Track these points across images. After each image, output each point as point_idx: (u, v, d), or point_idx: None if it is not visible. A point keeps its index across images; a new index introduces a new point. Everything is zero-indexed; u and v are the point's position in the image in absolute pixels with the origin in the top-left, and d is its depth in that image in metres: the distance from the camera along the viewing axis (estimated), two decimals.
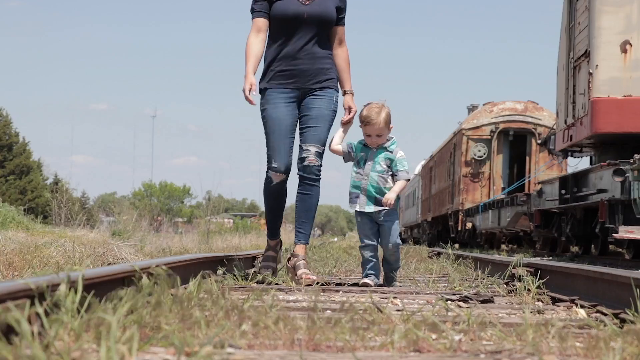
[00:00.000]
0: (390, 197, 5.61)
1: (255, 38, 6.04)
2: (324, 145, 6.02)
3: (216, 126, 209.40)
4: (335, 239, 33.06)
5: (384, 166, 5.67)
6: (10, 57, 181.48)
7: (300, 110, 6.05)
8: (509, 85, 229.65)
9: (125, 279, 3.50)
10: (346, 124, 6.04)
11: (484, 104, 25.07)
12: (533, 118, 23.70)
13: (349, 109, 6.10)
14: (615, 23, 12.40)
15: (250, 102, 5.85)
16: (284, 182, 6.05)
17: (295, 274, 5.86)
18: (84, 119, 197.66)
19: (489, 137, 23.90)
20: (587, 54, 12.91)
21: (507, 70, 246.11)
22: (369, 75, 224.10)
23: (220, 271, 5.90)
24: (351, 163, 5.86)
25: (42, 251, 7.60)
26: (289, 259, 6.10)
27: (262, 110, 6.05)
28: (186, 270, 4.85)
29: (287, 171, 6.00)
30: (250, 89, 5.84)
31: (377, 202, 5.66)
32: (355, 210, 5.78)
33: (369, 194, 5.68)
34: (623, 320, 3.34)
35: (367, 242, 5.79)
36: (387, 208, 5.64)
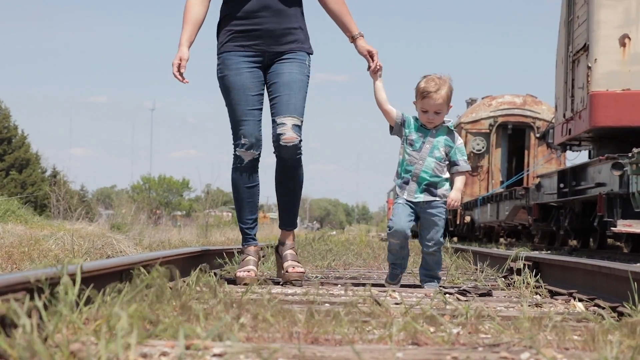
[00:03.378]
0: (455, 197, 4.92)
1: None
2: (302, 115, 5.04)
3: (215, 119, 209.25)
4: (334, 233, 33.11)
5: (443, 153, 4.94)
6: (9, 50, 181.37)
7: (267, 78, 5.08)
8: (507, 79, 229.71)
9: (124, 272, 3.50)
10: (376, 72, 5.04)
11: (482, 98, 25.07)
12: (532, 112, 23.71)
13: (370, 54, 5.06)
14: (614, 17, 12.39)
15: (179, 79, 4.95)
16: (255, 162, 5.12)
17: (282, 267, 5.17)
18: (83, 112, 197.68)
19: (488, 130, 23.90)
20: (585, 48, 12.91)
21: (505, 64, 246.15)
22: (364, 69, 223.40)
23: (218, 263, 5.90)
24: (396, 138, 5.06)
25: (41, 244, 7.61)
26: (277, 248, 5.37)
27: (221, 78, 5.08)
28: (185, 264, 4.85)
29: (258, 146, 5.07)
30: (179, 64, 4.95)
31: (428, 192, 4.92)
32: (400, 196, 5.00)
33: (421, 181, 4.93)
34: (621, 314, 3.34)
35: (397, 229, 4.94)
36: (438, 199, 4.93)
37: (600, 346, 2.30)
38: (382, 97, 5.01)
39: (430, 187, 4.92)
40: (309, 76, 5.14)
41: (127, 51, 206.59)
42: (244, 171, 5.10)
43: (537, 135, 22.58)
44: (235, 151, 5.09)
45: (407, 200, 4.94)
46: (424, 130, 4.94)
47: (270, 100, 5.08)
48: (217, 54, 5.11)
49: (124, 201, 20.86)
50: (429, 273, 5.04)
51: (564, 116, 14.61)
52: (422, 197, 4.92)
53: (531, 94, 24.31)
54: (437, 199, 4.93)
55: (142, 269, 3.10)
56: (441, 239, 5.01)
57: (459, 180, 4.97)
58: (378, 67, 5.03)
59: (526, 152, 23.86)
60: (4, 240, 7.83)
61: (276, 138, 4.99)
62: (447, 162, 4.96)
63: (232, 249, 6.66)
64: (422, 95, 4.84)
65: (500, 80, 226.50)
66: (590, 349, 2.34)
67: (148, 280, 2.67)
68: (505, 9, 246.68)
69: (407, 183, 4.95)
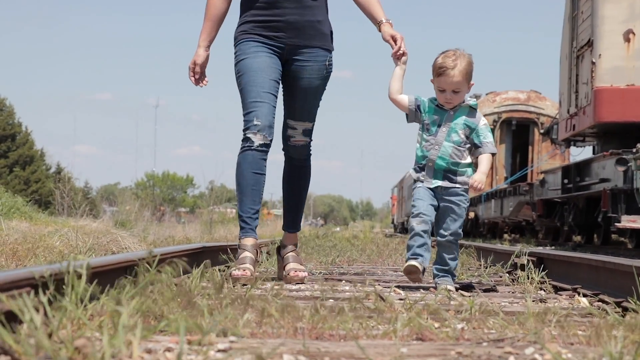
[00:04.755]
0: (478, 178, 4.40)
1: None
2: (313, 121, 4.95)
3: (219, 116, 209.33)
4: (338, 229, 33.13)
5: (462, 136, 4.48)
6: (13, 47, 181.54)
7: (285, 76, 4.88)
8: (511, 74, 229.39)
9: (129, 268, 3.51)
10: (399, 58, 4.69)
11: (486, 94, 25.04)
12: (536, 108, 23.67)
13: (393, 39, 4.72)
14: (618, 12, 12.37)
15: (195, 83, 4.88)
16: (265, 148, 4.74)
17: (284, 269, 4.88)
18: (87, 109, 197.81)
19: (492, 126, 23.83)
20: (590, 43, 12.89)
21: (509, 60, 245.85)
22: (370, 66, 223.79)
23: (222, 259, 5.90)
24: (416, 125, 4.62)
25: (46, 241, 7.62)
26: (278, 250, 5.11)
27: (238, 62, 4.81)
28: (189, 260, 4.85)
29: (270, 132, 4.74)
30: (193, 69, 4.86)
31: (447, 178, 4.49)
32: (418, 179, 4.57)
33: (438, 168, 4.48)
34: (625, 309, 3.34)
35: (422, 212, 4.45)
36: (458, 186, 4.49)
37: (604, 341, 2.30)
38: (394, 87, 4.62)
39: (448, 172, 4.48)
40: (328, 76, 4.95)
41: (131, 48, 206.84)
42: (252, 154, 4.71)
43: (541, 131, 22.54)
44: (245, 133, 4.72)
45: (425, 186, 4.52)
46: (441, 112, 4.50)
47: (285, 100, 4.93)
48: (235, 45, 4.87)
49: (128, 198, 20.89)
50: (443, 268, 4.53)
51: (568, 112, 14.59)
52: (440, 183, 4.48)
53: (535, 89, 24.29)
54: (458, 185, 4.50)
55: (148, 266, 3.11)
56: (459, 230, 4.53)
57: (484, 162, 4.48)
58: (401, 52, 4.68)
59: (530, 148, 23.82)
60: (9, 237, 7.85)
61: (286, 139, 4.96)
62: (468, 146, 4.50)
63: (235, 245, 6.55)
64: (438, 72, 4.42)
65: (504, 76, 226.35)
66: (594, 344, 2.34)
67: (152, 276, 2.67)
68: (509, 4, 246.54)
69: (422, 169, 4.52)
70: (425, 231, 4.44)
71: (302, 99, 4.89)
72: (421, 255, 4.41)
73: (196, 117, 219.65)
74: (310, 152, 5.03)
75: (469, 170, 4.51)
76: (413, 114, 4.56)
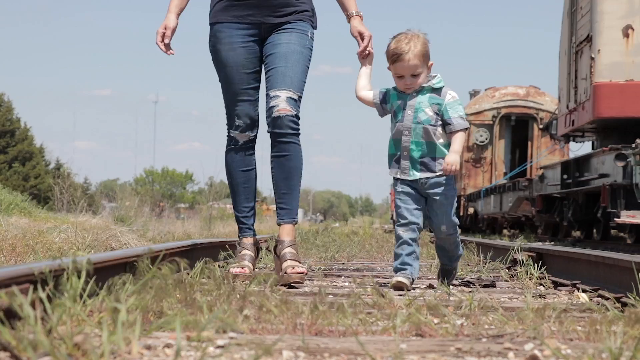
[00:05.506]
0: (451, 160, 4.12)
1: None
2: (299, 90, 4.54)
3: (219, 111, 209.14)
4: (337, 225, 33.12)
5: (431, 113, 4.18)
6: (12, 42, 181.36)
7: (264, 50, 4.60)
8: (510, 70, 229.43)
9: (128, 264, 3.51)
10: (365, 57, 4.51)
11: (485, 89, 25.02)
12: (535, 103, 23.66)
13: (360, 35, 4.54)
14: (617, 7, 12.36)
15: (163, 50, 4.60)
16: (251, 143, 4.68)
17: (280, 268, 4.46)
18: (86, 105, 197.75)
19: (491, 122, 23.86)
20: (589, 39, 12.88)
21: (508, 56, 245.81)
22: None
23: (222, 256, 5.89)
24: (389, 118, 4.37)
25: (45, 237, 7.62)
26: (275, 247, 4.68)
27: (213, 51, 4.66)
28: (189, 256, 4.85)
29: (253, 126, 4.64)
30: (164, 33, 4.60)
31: (425, 167, 4.20)
32: (394, 177, 4.31)
33: (413, 155, 4.19)
34: (624, 304, 3.34)
35: (407, 218, 4.21)
36: (439, 174, 4.20)
37: (603, 337, 2.30)
38: (359, 84, 4.44)
39: (425, 160, 4.20)
40: (311, 49, 4.62)
41: (131, 44, 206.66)
42: (239, 152, 4.68)
43: (541, 126, 22.53)
44: (229, 132, 4.68)
45: (403, 180, 4.25)
46: (403, 96, 4.25)
47: (266, 73, 4.60)
48: (209, 23, 4.68)
49: (127, 194, 20.87)
50: (449, 255, 4.46)
51: (568, 107, 14.58)
52: (419, 175, 4.20)
53: (534, 85, 24.28)
54: (437, 173, 4.20)
55: (147, 262, 3.11)
56: (454, 219, 4.31)
57: (456, 141, 4.17)
58: (367, 52, 4.51)
59: (529, 143, 23.81)
60: (8, 233, 7.84)
61: (269, 112, 4.51)
62: (440, 124, 4.20)
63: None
64: (392, 58, 4.19)
65: (503, 71, 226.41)
66: (594, 340, 2.34)
67: (152, 273, 2.67)
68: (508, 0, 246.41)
69: (397, 161, 4.26)
70: (413, 239, 4.20)
71: (284, 64, 4.51)
72: (410, 265, 4.17)
73: (196, 113, 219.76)
74: (298, 128, 4.55)
75: (444, 152, 4.21)
76: (380, 107, 4.36)
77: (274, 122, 4.50)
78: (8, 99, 52.26)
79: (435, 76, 4.26)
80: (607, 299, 3.64)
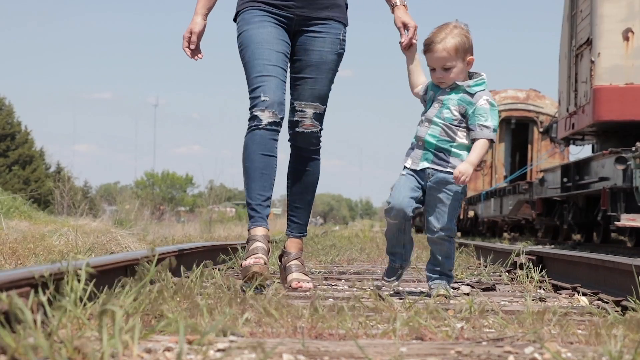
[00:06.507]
0: (463, 170, 3.79)
1: None
2: (325, 104, 4.36)
3: (219, 114, 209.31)
4: (337, 228, 33.12)
5: (456, 113, 3.90)
6: (12, 45, 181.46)
7: (295, 50, 4.34)
8: (510, 73, 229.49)
9: (128, 268, 3.51)
10: (407, 49, 4.19)
11: None
12: (535, 106, 23.68)
13: (404, 26, 4.22)
14: (617, 11, 12.37)
15: (190, 56, 4.39)
16: (276, 127, 4.20)
17: (286, 279, 4.27)
18: (87, 108, 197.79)
19: None
20: (589, 42, 12.89)
21: (508, 59, 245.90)
22: (369, 65, 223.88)
23: (222, 259, 5.89)
24: None
25: (46, 240, 7.62)
26: (280, 257, 4.47)
27: (240, 34, 4.30)
28: (189, 259, 4.85)
29: (280, 109, 4.19)
30: (189, 38, 4.37)
31: (436, 159, 3.92)
32: (404, 166, 4.01)
33: (427, 146, 3.93)
34: (625, 308, 3.35)
35: (396, 202, 3.94)
36: (449, 170, 3.89)
37: (604, 340, 2.30)
38: (411, 82, 4.17)
39: (439, 154, 3.92)
40: (342, 53, 4.40)
41: (131, 47, 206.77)
42: (261, 134, 4.16)
43: (541, 129, 22.54)
44: (252, 111, 4.18)
45: (411, 170, 3.98)
46: (437, 89, 4.00)
47: (293, 79, 4.35)
48: (237, 12, 4.38)
49: (127, 197, 20.91)
50: (435, 269, 4.02)
51: (568, 110, 14.59)
52: (427, 165, 3.92)
53: (534, 88, 24.29)
54: (449, 170, 3.90)
55: (147, 265, 3.11)
56: (451, 224, 3.96)
57: (475, 150, 3.86)
58: (412, 42, 4.18)
59: (529, 146, 23.82)
60: (9, 236, 7.85)
61: (293, 125, 4.32)
62: (464, 126, 3.91)
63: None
64: (423, 48, 3.96)
65: (503, 74, 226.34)
66: (594, 343, 2.34)
67: (152, 276, 2.67)
68: (508, 3, 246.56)
69: (412, 149, 4.00)
70: (400, 228, 4.01)
71: (314, 76, 4.30)
72: (396, 255, 4.09)
73: (196, 116, 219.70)
74: (321, 142, 4.42)
75: (465, 154, 3.91)
76: (422, 100, 4.10)
77: (297, 137, 4.35)
78: (9, 103, 52.27)
79: (479, 76, 3.98)
80: (607, 302, 3.65)
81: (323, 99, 4.34)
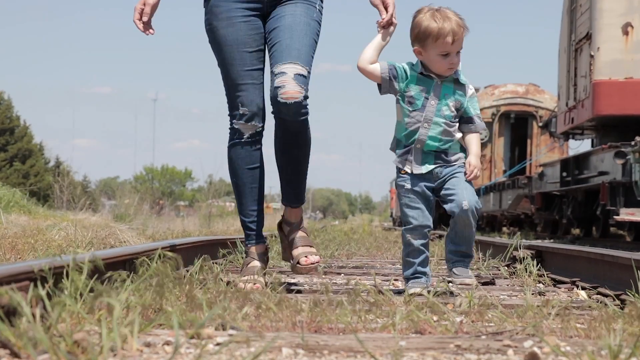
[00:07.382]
0: (475, 163, 3.69)
1: None
2: (308, 65, 3.90)
3: (219, 109, 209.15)
4: (337, 222, 33.09)
5: (453, 109, 3.71)
6: (12, 40, 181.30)
7: (267, 25, 4.01)
8: (510, 68, 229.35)
9: (127, 262, 3.51)
10: (385, 28, 3.86)
11: (485, 87, 25.01)
12: (534, 101, 23.65)
13: (384, 4, 3.88)
14: (616, 5, 12.36)
15: (140, 29, 4.03)
16: (258, 137, 4.05)
17: (292, 256, 4.07)
18: (86, 102, 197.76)
19: (490, 120, 23.83)
20: (588, 37, 12.88)
21: (508, 53, 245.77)
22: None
23: (221, 253, 5.89)
24: (391, 97, 3.81)
25: (45, 234, 7.62)
26: (280, 225, 4.26)
27: (210, 30, 4.06)
28: (188, 253, 4.86)
29: (260, 117, 4.02)
30: (142, 10, 4.01)
31: (440, 159, 3.71)
32: (404, 172, 3.76)
33: (428, 149, 3.70)
34: (624, 302, 3.35)
35: (419, 221, 3.72)
36: (453, 164, 3.73)
37: (603, 334, 2.30)
38: (367, 55, 3.79)
39: (441, 155, 3.73)
40: (319, 23, 4.05)
41: (130, 42, 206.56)
42: (244, 147, 4.04)
43: (540, 124, 22.53)
44: (232, 124, 4.06)
45: (414, 175, 3.73)
46: (427, 81, 3.71)
47: (269, 50, 3.98)
48: (204, 1, 4.12)
49: (127, 191, 20.88)
50: (460, 250, 3.78)
51: (567, 105, 14.59)
52: (432, 167, 3.71)
53: (534, 82, 24.28)
54: (453, 163, 3.74)
55: (147, 260, 3.11)
56: (478, 202, 3.71)
57: (475, 143, 3.76)
58: (393, 21, 3.87)
59: (529, 141, 23.80)
60: (8, 230, 7.84)
61: (274, 93, 3.83)
62: (457, 121, 3.76)
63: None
64: (436, 36, 3.62)
65: (502, 69, 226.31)
66: (593, 337, 2.35)
67: (152, 270, 2.67)
68: None
69: (409, 152, 3.73)
70: (424, 245, 3.75)
71: (289, 36, 3.90)
72: (424, 275, 3.75)
73: (195, 111, 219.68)
74: (307, 111, 3.92)
75: (459, 147, 3.79)
76: (387, 83, 3.75)
77: (282, 108, 3.84)
78: (8, 97, 52.25)
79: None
80: (606, 296, 3.65)
81: (303, 59, 3.88)
